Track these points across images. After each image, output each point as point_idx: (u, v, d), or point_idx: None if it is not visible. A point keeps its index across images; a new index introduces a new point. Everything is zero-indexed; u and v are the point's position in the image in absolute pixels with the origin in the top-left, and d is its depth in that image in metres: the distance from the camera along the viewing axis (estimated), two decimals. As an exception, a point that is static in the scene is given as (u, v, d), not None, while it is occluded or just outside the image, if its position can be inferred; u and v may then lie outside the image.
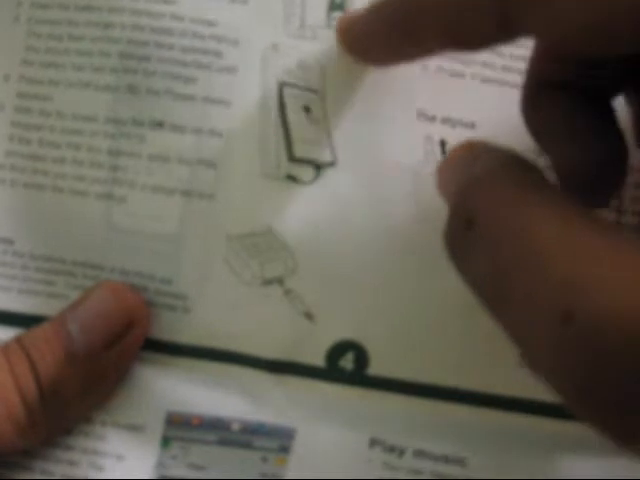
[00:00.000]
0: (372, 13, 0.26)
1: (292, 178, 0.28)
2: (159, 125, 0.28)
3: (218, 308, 0.28)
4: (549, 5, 0.19)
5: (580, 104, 0.24)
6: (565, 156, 0.24)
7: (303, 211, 0.28)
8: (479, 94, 0.28)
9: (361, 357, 0.28)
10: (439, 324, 0.28)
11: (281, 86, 0.28)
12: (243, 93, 0.28)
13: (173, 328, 0.28)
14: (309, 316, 0.28)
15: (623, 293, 0.16)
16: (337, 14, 0.28)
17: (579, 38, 0.19)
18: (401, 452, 0.28)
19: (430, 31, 0.23)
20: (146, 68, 0.28)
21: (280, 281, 0.28)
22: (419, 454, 0.28)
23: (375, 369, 0.28)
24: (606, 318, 0.16)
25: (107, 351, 0.27)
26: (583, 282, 0.17)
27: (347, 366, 0.28)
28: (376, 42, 0.26)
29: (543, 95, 0.25)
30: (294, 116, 0.28)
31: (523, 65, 0.28)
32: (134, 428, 0.28)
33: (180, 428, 0.28)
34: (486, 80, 0.28)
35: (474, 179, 0.21)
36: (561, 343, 0.17)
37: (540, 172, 0.21)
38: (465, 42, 0.22)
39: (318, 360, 0.28)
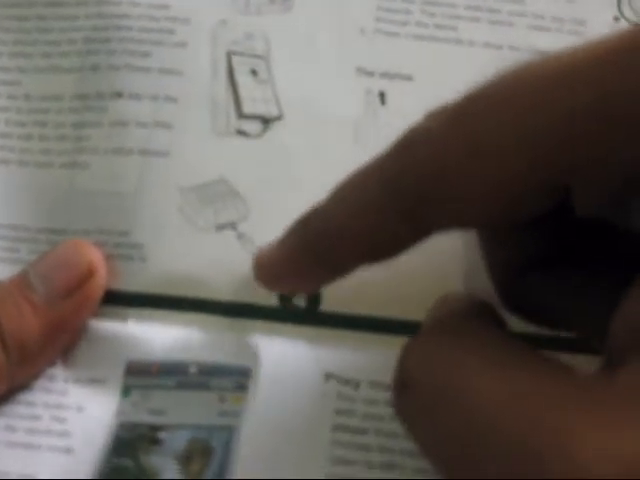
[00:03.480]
0: (284, 244, 0.24)
1: (242, 133, 0.30)
2: (119, 95, 0.31)
3: (173, 254, 0.29)
4: (449, 199, 0.20)
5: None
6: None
7: (253, 161, 0.30)
8: (414, 50, 0.31)
9: (313, 294, 0.29)
10: (387, 259, 0.29)
11: (229, 55, 0.31)
12: (195, 63, 0.31)
13: (131, 277, 0.30)
14: (262, 257, 0.29)
15: (586, 464, 0.15)
16: (279, -8, 0.32)
17: (486, 214, 0.20)
18: (356, 384, 0.28)
19: (346, 253, 0.22)
20: (107, 48, 0.31)
21: (233, 226, 0.30)
22: (374, 385, 0.28)
23: (328, 305, 0.29)
24: None
25: (68, 300, 0.28)
26: (535, 457, 0.15)
27: (300, 304, 0.29)
28: (290, 272, 0.24)
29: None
30: (242, 79, 0.31)
31: (453, 23, 0.31)
32: (95, 381, 0.29)
33: (140, 376, 0.29)
34: (420, 38, 0.31)
35: (410, 338, 0.21)
36: None
37: (486, 313, 0.21)
38: (382, 254, 0.22)
39: (272, 299, 0.29)
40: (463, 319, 0.21)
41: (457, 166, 0.19)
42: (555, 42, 0.32)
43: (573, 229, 0.22)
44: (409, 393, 0.19)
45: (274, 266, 0.24)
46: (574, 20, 0.32)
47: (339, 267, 0.23)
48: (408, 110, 0.29)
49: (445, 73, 0.31)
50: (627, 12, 0.32)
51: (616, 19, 0.32)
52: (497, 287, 0.24)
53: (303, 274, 0.24)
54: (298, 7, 0.32)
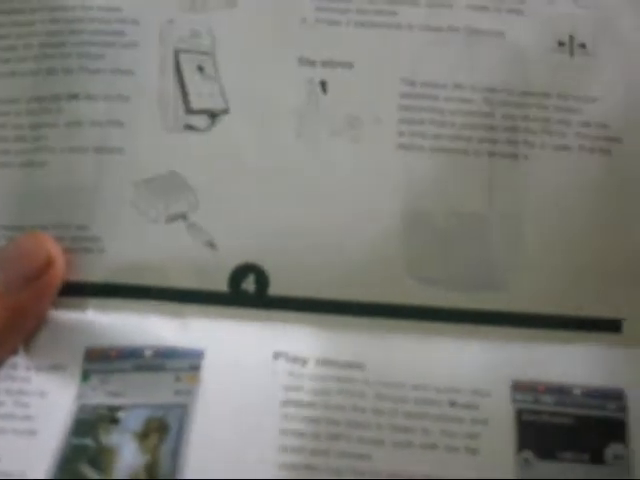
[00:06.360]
0: None
1: (190, 127, 0.32)
2: (74, 97, 0.32)
3: (128, 246, 0.31)
4: None
5: None
6: None
7: (202, 154, 0.32)
8: (355, 37, 0.32)
9: (261, 279, 0.31)
10: (330, 243, 0.31)
11: (177, 53, 0.33)
12: (144, 63, 0.33)
13: (90, 269, 0.31)
14: (211, 245, 0.31)
15: None
16: (223, -10, 0.33)
17: None
18: (304, 362, 0.30)
19: None
20: (62, 52, 0.33)
21: (184, 217, 0.31)
22: (321, 362, 0.30)
23: (275, 289, 0.31)
24: None
25: (27, 289, 0.30)
26: None
27: (249, 288, 0.31)
28: None
29: None
30: (189, 75, 0.33)
31: (393, 7, 0.32)
32: (56, 367, 0.30)
33: (99, 362, 0.30)
34: (361, 24, 0.33)
35: None
36: None
37: None
38: None
39: (222, 285, 0.31)
40: None
41: None
42: (495, 21, 0.33)
43: None
44: None
45: None
46: None
47: None
48: (348, 97, 0.31)
49: (384, 58, 0.32)
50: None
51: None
52: None
53: None
54: (243, 1, 0.33)
